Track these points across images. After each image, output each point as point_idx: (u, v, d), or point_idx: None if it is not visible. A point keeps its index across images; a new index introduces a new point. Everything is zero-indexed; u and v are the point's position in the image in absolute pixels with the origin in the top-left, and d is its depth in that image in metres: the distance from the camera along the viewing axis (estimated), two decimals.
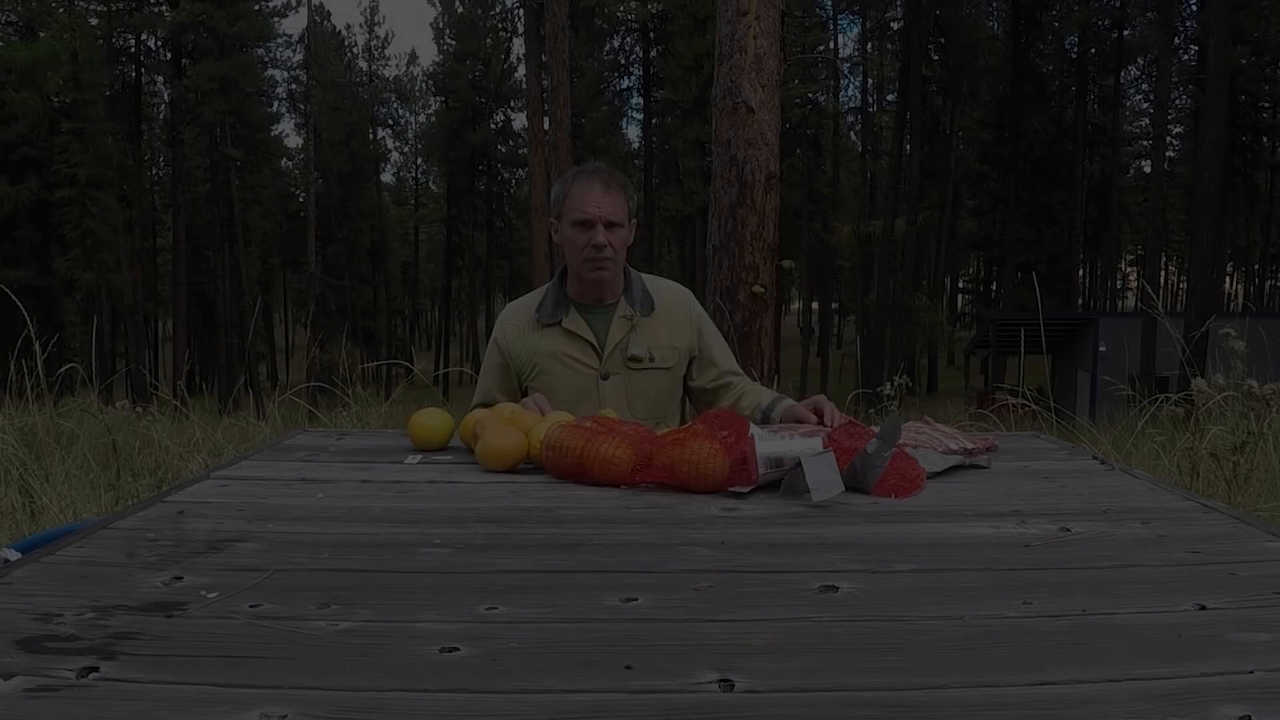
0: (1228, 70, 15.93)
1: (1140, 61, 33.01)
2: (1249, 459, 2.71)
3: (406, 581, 0.91)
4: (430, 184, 50.09)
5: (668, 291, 2.10)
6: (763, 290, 4.96)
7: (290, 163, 38.65)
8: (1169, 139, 30.97)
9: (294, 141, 41.32)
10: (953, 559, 0.99)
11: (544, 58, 15.17)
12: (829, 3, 32.32)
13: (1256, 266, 40.87)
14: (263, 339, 39.08)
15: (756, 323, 5.00)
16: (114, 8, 28.27)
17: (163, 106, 33.17)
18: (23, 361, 4.19)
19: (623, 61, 33.57)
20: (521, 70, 32.06)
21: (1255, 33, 25.89)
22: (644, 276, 2.10)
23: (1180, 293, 39.65)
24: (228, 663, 0.70)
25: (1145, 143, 37.25)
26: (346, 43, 44.51)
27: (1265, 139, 33.52)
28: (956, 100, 31.59)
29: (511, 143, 39.89)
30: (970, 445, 1.53)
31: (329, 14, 47.21)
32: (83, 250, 23.98)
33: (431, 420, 1.62)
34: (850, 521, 1.16)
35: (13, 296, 4.02)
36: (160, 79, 30.96)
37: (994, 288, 35.63)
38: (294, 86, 33.85)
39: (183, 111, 28.43)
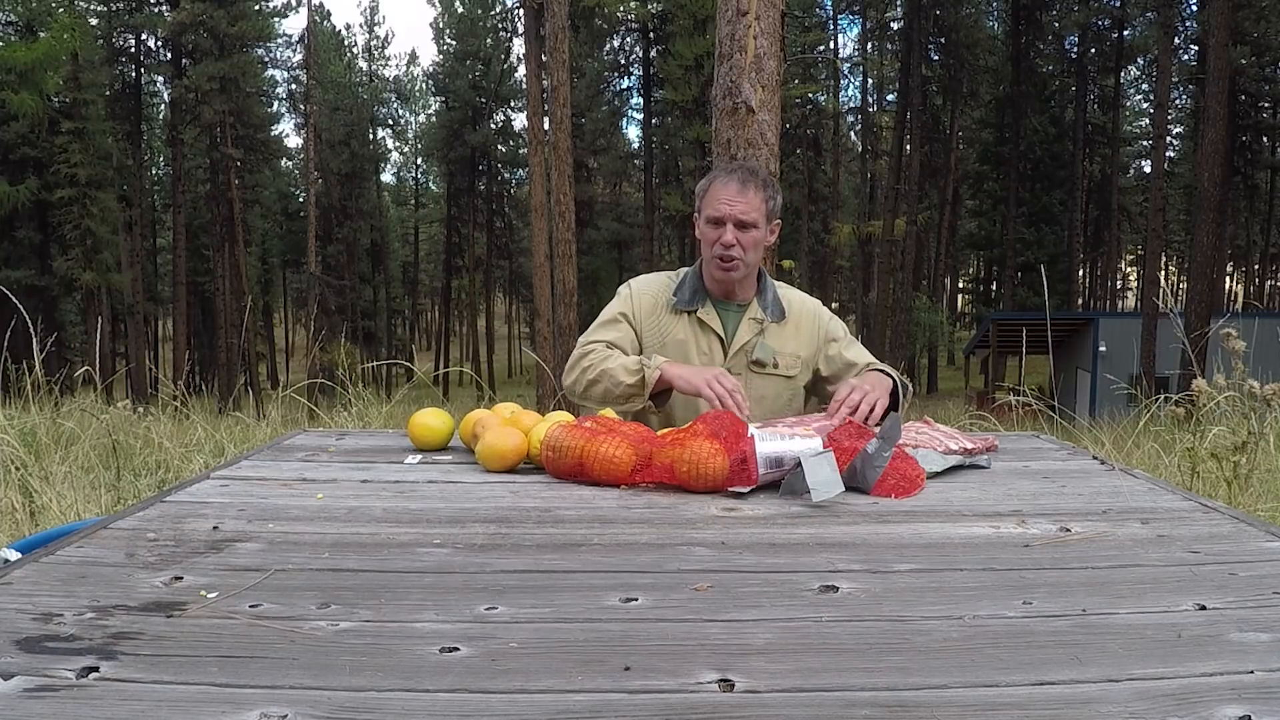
0: (1228, 70, 15.93)
1: (1140, 61, 32.99)
2: (1250, 459, 2.71)
3: (406, 581, 0.91)
4: (430, 184, 50.08)
5: (799, 301, 2.10)
6: None
7: (290, 163, 38.64)
8: (1169, 139, 30.95)
9: (294, 141, 41.34)
10: (953, 559, 0.99)
11: (544, 58, 15.17)
12: (829, 3, 32.31)
13: (1256, 266, 40.86)
14: (263, 339, 39.07)
15: None
16: (114, 8, 28.25)
17: (163, 106, 33.15)
18: (24, 362, 4.19)
19: (623, 61, 33.52)
20: (521, 70, 32.08)
21: (1255, 33, 25.90)
22: (777, 284, 2.10)
23: (1180, 293, 39.64)
24: (228, 663, 0.70)
25: (1145, 143, 37.24)
26: (346, 43, 44.49)
27: (1265, 139, 33.49)
28: (956, 100, 31.58)
29: (511, 143, 39.85)
30: (970, 445, 1.53)
31: (329, 14, 47.15)
32: (83, 250, 23.96)
33: (431, 420, 1.63)
34: (850, 521, 1.16)
35: (12, 297, 4.02)
36: (160, 79, 30.93)
37: (994, 288, 35.62)
38: (294, 86, 33.81)
39: (183, 111, 28.39)
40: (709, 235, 1.96)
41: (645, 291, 2.07)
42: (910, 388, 1.96)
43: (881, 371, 1.92)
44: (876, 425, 1.68)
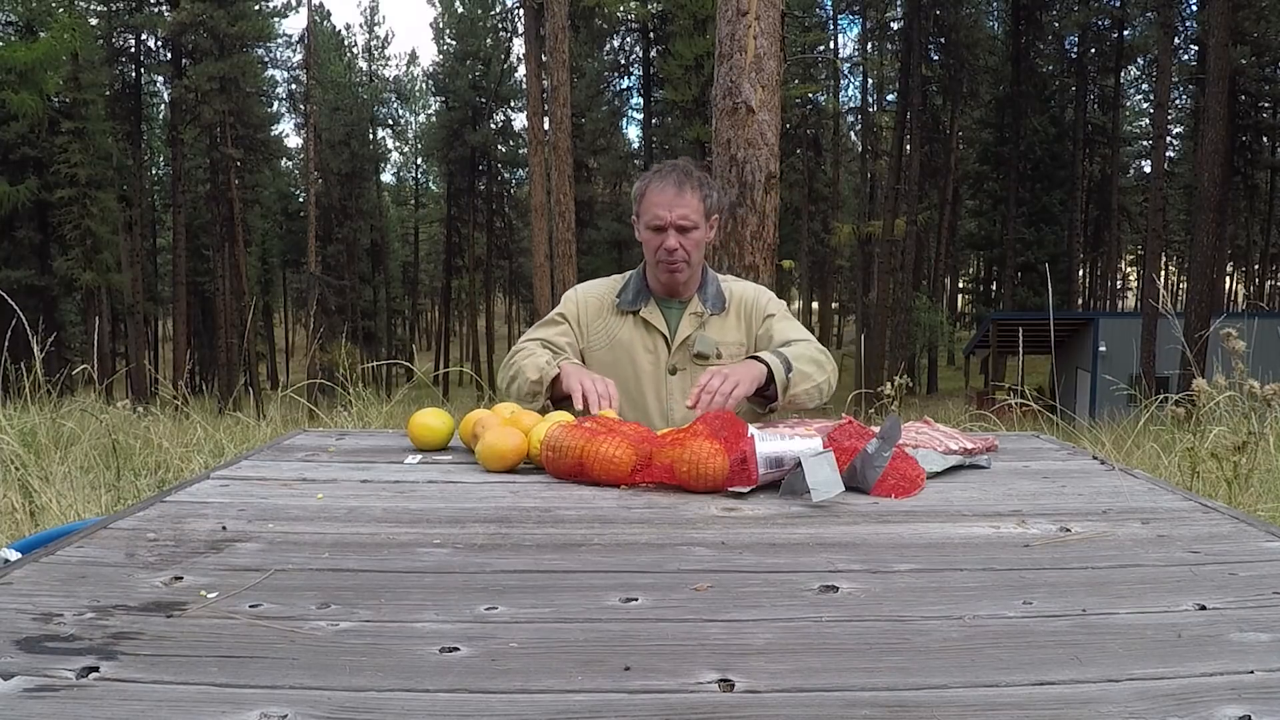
0: (1228, 70, 15.93)
1: (1140, 61, 33.00)
2: (1250, 459, 2.71)
3: (406, 581, 0.91)
4: (430, 184, 50.08)
5: (740, 290, 2.10)
6: None
7: (290, 163, 38.64)
8: (1169, 139, 30.95)
9: (294, 141, 41.35)
10: (953, 559, 0.99)
11: (544, 58, 15.17)
12: (829, 3, 32.31)
13: (1256, 266, 40.86)
14: (263, 339, 39.07)
15: None
16: (114, 8, 28.26)
17: (163, 106, 33.18)
18: (23, 362, 4.19)
19: (623, 61, 33.51)
20: (521, 70, 32.08)
21: (1255, 33, 25.90)
22: (721, 277, 2.12)
23: (1180, 293, 39.64)
24: (228, 663, 0.70)
25: (1145, 143, 37.25)
26: (346, 43, 44.51)
27: (1265, 139, 33.50)
28: (956, 100, 31.58)
29: (511, 143, 39.85)
30: (970, 445, 1.53)
31: (329, 14, 47.16)
32: (83, 250, 23.97)
33: (431, 420, 1.63)
34: (850, 521, 1.16)
35: (9, 299, 4.02)
36: (160, 79, 30.95)
37: (994, 288, 35.62)
38: (294, 86, 33.82)
39: (183, 111, 28.39)
40: (651, 241, 1.97)
41: (590, 294, 2.09)
42: (802, 370, 1.83)
43: (767, 354, 1.83)
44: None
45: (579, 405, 1.74)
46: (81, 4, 27.30)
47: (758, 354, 1.86)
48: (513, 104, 39.41)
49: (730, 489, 1.28)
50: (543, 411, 1.77)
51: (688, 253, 1.96)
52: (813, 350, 1.93)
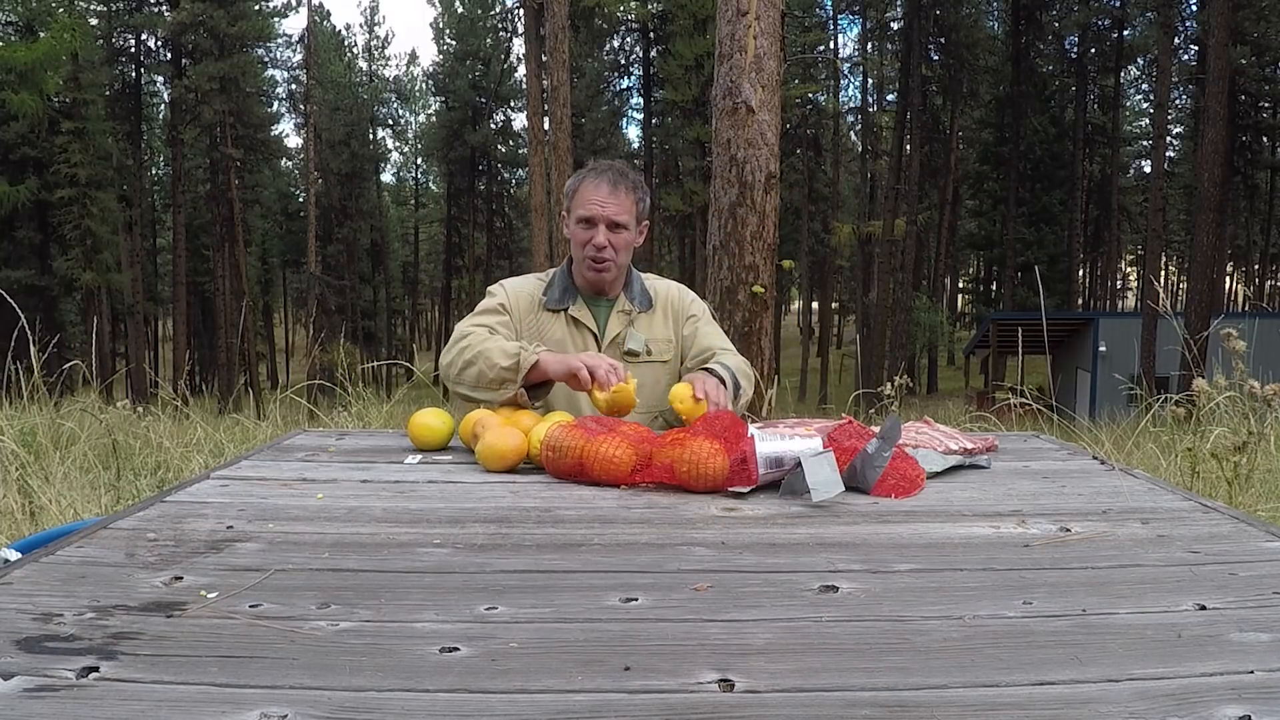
0: (1228, 70, 15.93)
1: (1140, 61, 32.98)
2: (1250, 459, 2.70)
3: (406, 581, 0.91)
4: (430, 184, 50.07)
5: (665, 288, 2.14)
6: (763, 290, 4.96)
7: (290, 163, 38.63)
8: (1169, 139, 30.93)
9: (294, 141, 41.35)
10: (953, 559, 0.99)
11: (544, 58, 15.17)
12: (829, 3, 32.29)
13: (1256, 266, 40.84)
14: (263, 339, 39.05)
15: (756, 322, 5.00)
16: (114, 8, 28.26)
17: (163, 106, 33.18)
18: (20, 362, 4.19)
19: (623, 61, 33.51)
20: (521, 70, 32.10)
21: (1255, 33, 25.90)
22: (644, 275, 2.14)
23: (1180, 293, 39.60)
24: (228, 663, 0.70)
25: (1145, 143, 37.24)
26: (346, 43, 44.49)
27: (1265, 139, 33.47)
28: (956, 100, 31.56)
29: (511, 143, 39.84)
30: (970, 445, 1.53)
31: (329, 14, 47.15)
32: (83, 250, 23.97)
33: (431, 420, 1.63)
34: (850, 521, 1.16)
35: (9, 299, 4.01)
36: (160, 79, 30.96)
37: (994, 288, 35.61)
38: (294, 86, 33.82)
39: (183, 111, 28.38)
40: (580, 236, 1.97)
41: (520, 290, 2.08)
42: (743, 387, 1.91)
43: (719, 368, 1.88)
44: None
45: (585, 386, 1.69)
46: (81, 4, 27.29)
47: (711, 369, 1.88)
48: (513, 104, 39.40)
49: (730, 489, 1.28)
50: (521, 407, 1.76)
51: (616, 251, 1.96)
52: (742, 364, 1.98)
